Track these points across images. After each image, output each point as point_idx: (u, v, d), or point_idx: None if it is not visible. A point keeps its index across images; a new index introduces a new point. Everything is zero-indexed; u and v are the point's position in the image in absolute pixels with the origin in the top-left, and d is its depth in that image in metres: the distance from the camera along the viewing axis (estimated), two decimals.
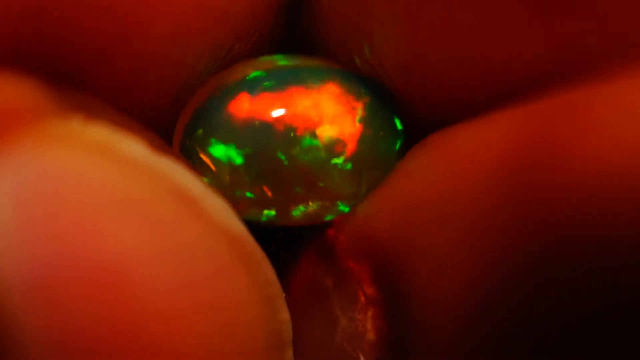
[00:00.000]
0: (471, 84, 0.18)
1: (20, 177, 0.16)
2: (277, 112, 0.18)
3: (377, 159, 0.19)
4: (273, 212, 0.19)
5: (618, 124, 0.15)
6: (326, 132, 0.19)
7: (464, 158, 0.17)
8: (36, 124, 0.17)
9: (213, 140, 0.18)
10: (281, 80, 0.19)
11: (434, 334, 0.17)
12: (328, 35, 0.20)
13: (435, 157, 0.18)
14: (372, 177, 0.19)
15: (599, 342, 0.15)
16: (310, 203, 0.19)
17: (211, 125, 0.19)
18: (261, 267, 0.17)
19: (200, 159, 0.19)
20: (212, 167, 0.19)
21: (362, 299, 0.19)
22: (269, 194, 0.19)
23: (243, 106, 0.18)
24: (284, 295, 0.18)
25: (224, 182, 0.18)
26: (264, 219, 0.19)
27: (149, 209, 0.17)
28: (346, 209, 0.19)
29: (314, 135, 0.18)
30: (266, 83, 0.19)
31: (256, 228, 0.18)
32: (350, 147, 0.19)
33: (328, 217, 0.19)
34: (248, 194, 0.19)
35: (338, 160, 0.19)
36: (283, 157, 0.18)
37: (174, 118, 0.19)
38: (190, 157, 0.19)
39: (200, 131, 0.19)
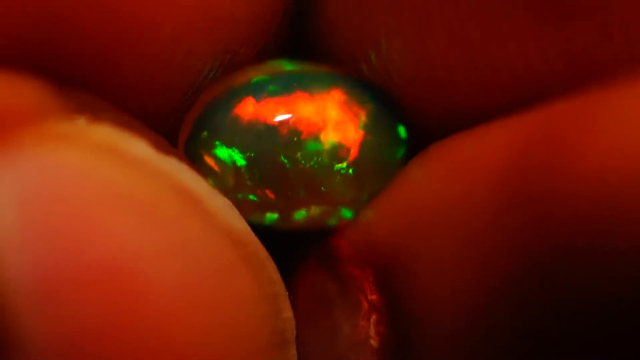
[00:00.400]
0: (477, 92, 0.18)
1: (25, 177, 0.16)
2: (281, 117, 0.19)
3: (379, 165, 0.19)
4: (276, 216, 0.19)
5: (622, 130, 0.15)
6: (329, 137, 0.19)
7: (466, 165, 0.17)
8: (41, 124, 0.17)
9: (217, 142, 0.19)
10: (286, 85, 0.19)
11: (437, 340, 0.17)
12: (334, 41, 0.20)
13: (439, 165, 0.18)
14: (374, 183, 0.19)
15: (600, 346, 0.15)
16: (313, 207, 0.19)
17: (216, 127, 0.19)
18: (264, 266, 0.17)
19: (204, 161, 0.19)
20: (216, 169, 0.19)
21: (365, 305, 0.19)
22: (272, 197, 0.19)
23: (247, 110, 0.19)
24: (287, 294, 0.18)
25: (227, 184, 0.18)
26: (266, 222, 0.19)
27: (154, 208, 0.17)
28: (348, 214, 0.19)
29: (317, 140, 0.19)
30: (271, 87, 0.19)
31: (260, 233, 0.18)
32: (353, 153, 0.19)
33: (330, 222, 0.19)
34: (251, 197, 0.19)
35: (340, 166, 0.19)
36: (286, 161, 0.18)
37: (178, 120, 0.20)
38: (194, 159, 0.19)
39: (205, 133, 0.19)
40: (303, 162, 0.18)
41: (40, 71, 0.17)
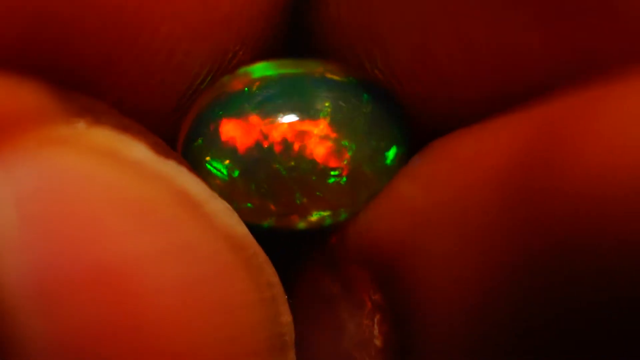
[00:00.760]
0: (481, 90, 0.18)
1: (25, 179, 0.16)
2: (275, 125, 0.18)
3: (374, 170, 0.19)
4: (273, 221, 0.19)
5: (624, 127, 0.15)
6: (323, 145, 0.19)
7: (468, 162, 0.17)
8: (41, 126, 0.17)
9: (212, 151, 0.19)
10: (280, 93, 0.19)
11: (440, 338, 0.17)
12: (336, 39, 0.20)
13: (440, 162, 0.18)
14: (370, 187, 0.19)
15: (601, 344, 0.15)
16: (311, 212, 0.19)
17: (209, 137, 0.19)
18: (263, 269, 0.17)
19: (201, 167, 0.19)
20: (212, 177, 0.19)
21: (369, 304, 0.19)
22: (269, 205, 0.19)
23: (240, 119, 0.19)
24: (286, 298, 0.18)
25: (223, 192, 0.18)
26: (265, 226, 0.19)
27: (153, 211, 0.17)
28: (346, 216, 0.19)
29: (310, 148, 0.18)
30: (264, 96, 0.19)
31: (259, 234, 0.18)
32: (347, 161, 0.19)
33: (328, 222, 0.19)
34: (248, 205, 0.19)
35: (335, 172, 0.19)
36: (281, 168, 0.18)
37: (177, 122, 0.20)
38: (191, 164, 0.19)
39: (199, 141, 0.19)
40: (298, 170, 0.18)
41: (39, 72, 0.17)
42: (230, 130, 0.19)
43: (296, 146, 0.18)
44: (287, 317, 0.17)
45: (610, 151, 0.15)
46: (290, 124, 0.18)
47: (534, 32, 0.17)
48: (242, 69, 0.19)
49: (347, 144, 0.19)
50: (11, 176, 0.16)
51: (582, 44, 0.17)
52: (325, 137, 0.19)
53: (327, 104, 0.19)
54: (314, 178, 0.18)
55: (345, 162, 0.19)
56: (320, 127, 0.19)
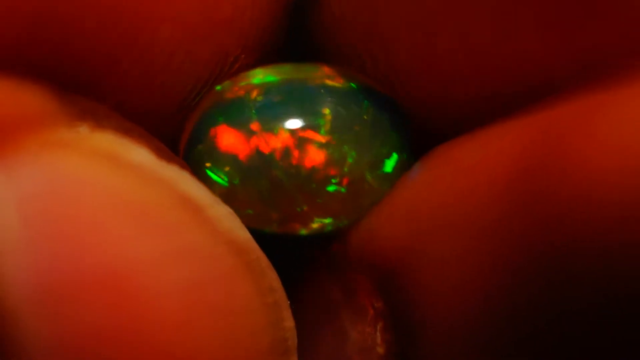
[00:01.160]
0: (484, 94, 0.18)
1: (27, 183, 0.16)
2: (275, 132, 0.18)
3: (374, 178, 0.19)
4: (275, 227, 0.19)
5: (626, 131, 0.15)
6: (322, 154, 0.19)
7: (470, 169, 0.17)
8: (43, 130, 0.17)
9: (212, 158, 0.19)
10: (281, 100, 0.19)
11: (443, 345, 0.17)
12: (338, 39, 0.20)
13: (443, 167, 0.18)
14: (371, 195, 0.19)
15: (605, 347, 0.15)
16: (313, 219, 0.19)
17: (210, 144, 0.19)
18: (266, 274, 0.17)
19: (201, 173, 0.19)
20: (212, 184, 0.19)
21: (372, 312, 0.19)
22: (270, 212, 0.19)
23: (240, 127, 0.19)
24: (288, 303, 0.18)
25: (223, 198, 0.18)
26: (266, 230, 0.19)
27: (155, 215, 0.17)
28: (347, 223, 0.19)
29: (310, 157, 0.18)
30: (264, 103, 0.19)
31: (262, 239, 0.18)
32: (346, 170, 0.19)
33: (329, 228, 0.19)
34: (249, 211, 0.19)
35: (336, 179, 0.19)
36: (281, 175, 0.18)
37: (179, 125, 0.20)
38: (192, 169, 0.19)
39: (200, 147, 0.19)
40: (299, 177, 0.18)
41: (40, 74, 0.17)
42: (231, 137, 0.19)
43: (296, 153, 0.18)
44: (289, 322, 0.17)
45: (612, 155, 0.15)
46: (291, 131, 0.18)
47: (537, 35, 0.17)
48: (243, 75, 0.19)
49: (347, 151, 0.19)
50: (13, 179, 0.16)
51: (584, 47, 0.17)
52: (325, 145, 0.18)
53: (327, 111, 0.19)
54: (314, 185, 0.18)
55: (345, 170, 0.19)
56: (320, 135, 0.18)
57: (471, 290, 0.17)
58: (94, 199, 0.16)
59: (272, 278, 0.17)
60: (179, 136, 0.20)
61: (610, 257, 0.14)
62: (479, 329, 0.16)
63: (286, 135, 0.18)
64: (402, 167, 0.19)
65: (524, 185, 0.16)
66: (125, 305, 0.16)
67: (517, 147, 0.17)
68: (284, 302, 0.17)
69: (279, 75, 0.19)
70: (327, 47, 0.20)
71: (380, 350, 0.18)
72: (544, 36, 0.17)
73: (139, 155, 0.17)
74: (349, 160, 0.19)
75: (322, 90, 0.19)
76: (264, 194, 0.18)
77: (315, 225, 0.19)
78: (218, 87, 0.19)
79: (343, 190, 0.19)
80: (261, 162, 0.18)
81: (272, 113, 0.19)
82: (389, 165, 0.19)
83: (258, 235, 0.18)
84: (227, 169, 0.18)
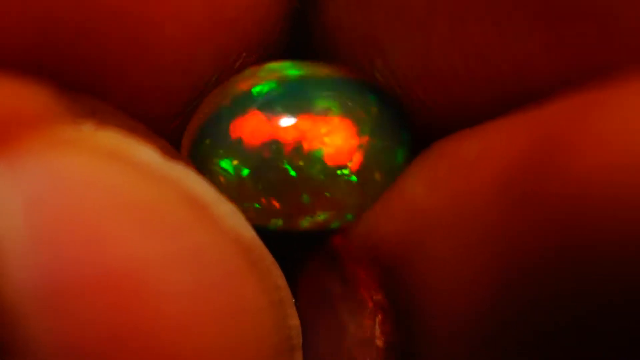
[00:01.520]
0: (481, 94, 0.18)
1: (32, 182, 0.16)
2: (284, 124, 0.18)
3: (383, 170, 0.19)
4: (280, 222, 0.19)
5: (625, 130, 0.15)
6: (332, 144, 0.19)
7: (468, 165, 0.17)
8: (48, 129, 0.17)
9: (220, 151, 0.19)
10: (288, 93, 0.19)
11: (442, 339, 0.18)
12: (337, 43, 0.20)
13: (441, 164, 0.18)
14: (378, 187, 0.19)
15: (606, 346, 0.15)
16: (318, 212, 0.19)
17: (218, 137, 0.19)
18: (271, 272, 0.17)
19: (208, 168, 0.19)
20: (220, 177, 0.19)
21: (370, 305, 0.19)
22: (277, 205, 0.19)
23: (249, 120, 0.19)
24: (293, 300, 0.18)
25: (231, 192, 0.18)
26: (271, 227, 0.19)
27: (160, 214, 0.17)
28: (352, 217, 0.19)
29: (320, 147, 0.18)
30: (273, 96, 0.19)
31: (263, 234, 0.18)
32: (356, 159, 0.19)
33: (334, 225, 0.19)
34: (256, 205, 0.19)
35: (344, 172, 0.19)
36: (289, 168, 0.18)
37: (182, 124, 0.19)
38: (198, 165, 0.19)
39: (207, 141, 0.19)
40: (307, 169, 0.18)
41: (45, 74, 0.17)
42: (239, 130, 0.19)
43: (305, 146, 0.18)
44: (294, 320, 0.17)
45: (611, 154, 0.15)
46: (299, 124, 0.18)
47: (535, 37, 0.17)
48: (249, 70, 0.19)
49: (356, 143, 0.19)
50: (18, 178, 0.16)
51: (582, 49, 0.17)
52: (334, 137, 0.19)
53: (335, 104, 0.19)
54: (322, 178, 0.18)
55: (354, 162, 0.19)
56: (328, 127, 0.19)
57: (470, 285, 0.17)
58: (99, 198, 0.16)
59: (277, 276, 0.17)
60: (181, 134, 0.19)
61: (610, 255, 0.15)
62: (478, 323, 0.17)
63: (294, 127, 0.18)
64: (405, 162, 0.19)
65: (523, 183, 0.16)
66: (131, 305, 0.16)
67: (516, 144, 0.17)
68: (289, 300, 0.17)
69: (286, 70, 0.19)
70: (326, 50, 0.20)
71: (379, 343, 0.19)
72: (540, 38, 0.17)
73: (144, 153, 0.17)
74: (357, 153, 0.19)
75: (330, 84, 0.19)
76: (272, 187, 0.18)
77: (320, 219, 0.19)
78: (225, 83, 0.19)
79: (351, 183, 0.19)
80: (269, 154, 0.18)
81: (280, 106, 0.19)
82: (396, 158, 0.19)
83: (260, 229, 0.18)
84: (235, 162, 0.18)
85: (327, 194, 0.19)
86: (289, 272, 0.18)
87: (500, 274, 0.16)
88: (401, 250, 0.18)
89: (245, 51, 0.19)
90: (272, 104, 0.19)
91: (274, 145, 0.18)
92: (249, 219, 0.18)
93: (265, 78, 0.19)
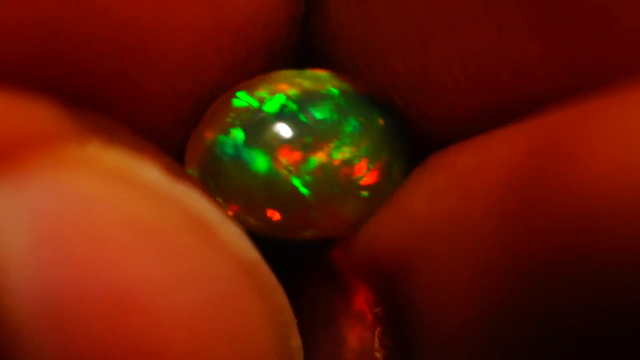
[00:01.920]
0: (481, 102, 0.18)
1: (37, 200, 0.16)
2: (293, 141, 0.18)
3: (392, 182, 0.19)
4: (284, 233, 0.19)
5: (625, 139, 0.15)
6: (342, 160, 0.19)
7: (468, 175, 0.18)
8: (54, 147, 0.16)
9: (230, 165, 0.19)
10: (298, 110, 0.19)
11: (441, 352, 0.18)
12: (337, 50, 0.20)
13: (440, 175, 0.18)
14: (383, 200, 0.19)
15: (604, 354, 0.15)
16: (324, 226, 0.19)
17: (228, 152, 0.19)
18: (274, 294, 0.17)
19: (218, 182, 0.19)
20: (229, 192, 0.19)
21: (370, 317, 0.19)
22: (284, 219, 0.19)
23: (260, 136, 0.18)
24: (296, 321, 0.18)
25: (238, 205, 0.18)
26: (273, 235, 0.19)
27: (164, 235, 0.17)
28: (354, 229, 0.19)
29: (329, 163, 0.18)
30: (283, 111, 0.19)
31: (261, 242, 0.18)
32: (368, 175, 0.19)
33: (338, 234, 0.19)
34: (263, 218, 0.19)
35: (355, 187, 0.19)
36: (299, 184, 0.18)
37: (189, 133, 0.19)
38: (205, 178, 0.19)
39: (217, 154, 0.19)
40: (317, 185, 0.18)
41: (51, 89, 0.17)
42: (249, 146, 0.18)
43: (315, 162, 0.18)
44: (296, 341, 0.18)
45: (610, 163, 0.15)
46: (309, 140, 0.18)
47: (533, 45, 0.17)
48: (257, 80, 0.19)
49: (366, 158, 0.19)
50: (24, 197, 0.16)
51: (582, 57, 0.17)
52: (343, 152, 0.19)
53: (345, 119, 0.19)
54: (333, 193, 0.18)
55: (364, 178, 0.19)
56: (337, 142, 0.19)
57: (470, 297, 0.17)
58: (104, 218, 0.16)
59: (280, 297, 0.17)
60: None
61: (610, 264, 0.15)
62: (478, 335, 0.17)
63: (304, 143, 0.18)
64: (406, 174, 0.19)
65: (522, 193, 0.16)
66: (133, 324, 0.16)
67: (515, 153, 0.17)
68: (292, 322, 0.18)
69: (294, 83, 0.19)
70: (327, 57, 0.20)
71: (379, 355, 0.19)
72: (540, 46, 0.17)
73: (150, 173, 0.17)
74: (369, 166, 0.19)
75: (338, 98, 0.19)
76: (282, 203, 0.18)
77: (326, 232, 0.19)
78: (229, 94, 0.19)
79: (361, 197, 0.19)
80: (279, 170, 0.18)
81: (289, 121, 0.18)
82: (399, 170, 0.19)
83: (257, 238, 0.18)
84: (245, 177, 0.18)
85: (336, 210, 0.19)
86: (288, 284, 0.18)
87: (499, 285, 0.16)
88: (400, 261, 0.18)
89: (251, 56, 0.19)
90: (282, 121, 0.18)
91: (284, 162, 0.18)
92: (253, 230, 0.18)
93: (274, 91, 0.19)
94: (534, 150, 0.16)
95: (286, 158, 0.18)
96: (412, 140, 0.20)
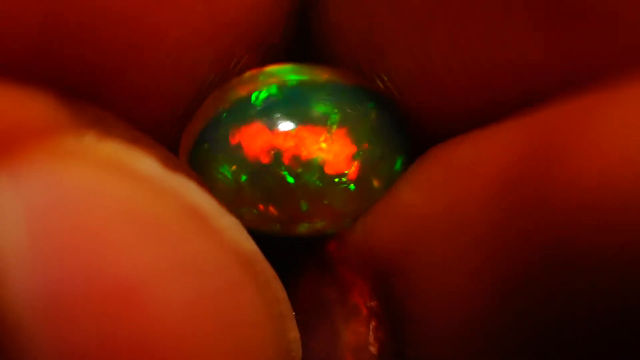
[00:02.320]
0: (479, 97, 0.18)
1: (34, 192, 0.16)
2: (282, 131, 0.18)
3: (381, 177, 0.19)
4: (278, 227, 0.19)
5: (621, 135, 0.15)
6: (330, 152, 0.19)
7: (465, 170, 0.18)
8: (50, 139, 0.16)
9: (219, 157, 0.19)
10: (287, 100, 0.19)
11: (436, 346, 0.18)
12: (336, 46, 0.20)
13: (437, 170, 0.18)
14: (376, 194, 0.19)
15: (600, 353, 0.15)
16: (316, 220, 0.19)
17: (217, 143, 0.19)
18: (271, 285, 0.17)
19: (206, 173, 0.19)
20: (218, 182, 0.19)
21: (365, 311, 0.19)
22: (274, 211, 0.19)
23: (249, 126, 0.19)
24: (293, 313, 0.18)
25: (229, 198, 0.18)
26: (268, 232, 0.19)
27: (161, 226, 0.17)
28: (349, 224, 0.19)
29: (319, 154, 0.18)
30: (272, 102, 0.19)
31: (258, 239, 0.18)
32: (355, 167, 0.19)
33: (332, 231, 0.19)
34: (254, 211, 0.19)
35: (342, 180, 0.19)
36: (287, 175, 0.18)
37: (184, 127, 0.19)
38: (196, 170, 0.19)
39: (206, 146, 0.19)
40: (305, 177, 0.18)
41: (47, 82, 0.17)
42: (237, 136, 0.18)
43: (303, 153, 0.18)
44: (294, 333, 0.18)
45: (607, 159, 0.15)
46: (298, 131, 0.18)
47: (532, 41, 0.17)
48: (249, 74, 0.19)
49: (354, 151, 0.19)
50: (21, 189, 0.16)
51: (580, 52, 0.17)
52: (332, 145, 0.19)
53: (334, 111, 0.19)
54: (320, 185, 0.18)
55: (352, 170, 0.19)
56: (327, 134, 0.19)
57: (465, 291, 0.17)
58: (101, 209, 0.16)
59: (278, 289, 0.17)
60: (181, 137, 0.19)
61: (606, 260, 0.15)
62: (473, 329, 0.17)
63: (293, 134, 0.18)
64: (403, 168, 0.19)
65: (519, 188, 0.16)
66: (130, 316, 0.16)
67: (512, 149, 0.17)
68: (289, 313, 0.18)
69: (286, 74, 0.19)
70: (326, 53, 0.20)
71: (373, 349, 0.19)
72: (538, 43, 0.17)
73: (146, 165, 0.17)
74: (356, 160, 0.19)
75: (329, 90, 0.19)
76: (270, 194, 0.18)
77: (318, 226, 0.19)
78: (224, 86, 0.19)
79: (350, 190, 0.19)
80: (268, 161, 0.18)
81: (279, 112, 0.19)
82: (394, 165, 0.19)
83: (256, 234, 0.18)
84: (233, 167, 0.18)
85: (325, 202, 0.19)
86: (284, 278, 0.18)
87: (495, 280, 0.16)
88: (396, 256, 0.18)
89: (246, 53, 0.19)
90: (271, 111, 0.19)
91: (273, 152, 0.18)
92: (247, 223, 0.18)
93: (264, 83, 0.19)
94: (531, 146, 0.16)
95: (274, 148, 0.18)
96: (409, 135, 0.20)
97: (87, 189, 0.16)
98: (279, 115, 0.18)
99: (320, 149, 0.19)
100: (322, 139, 0.19)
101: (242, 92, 0.19)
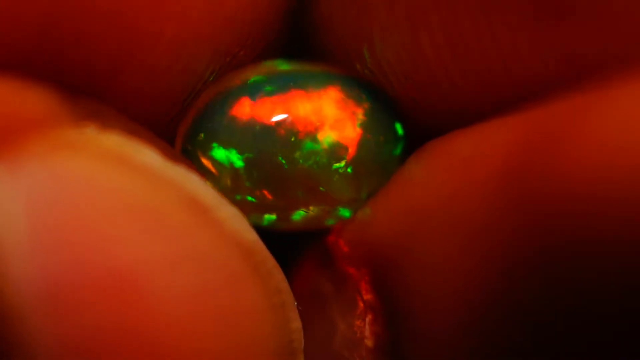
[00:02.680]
0: (471, 90, 0.18)
1: (34, 184, 0.16)
2: (278, 116, 0.19)
3: (377, 163, 0.19)
4: (274, 217, 0.19)
5: (617, 130, 0.15)
6: (327, 136, 0.19)
7: (463, 164, 0.18)
8: (50, 131, 0.16)
9: (214, 144, 0.19)
10: (282, 85, 0.19)
11: (432, 340, 0.18)
12: (329, 40, 0.20)
13: (435, 164, 0.18)
14: (373, 181, 0.19)
15: (599, 345, 0.16)
16: (311, 207, 0.19)
17: (212, 129, 0.19)
18: (273, 275, 0.17)
19: (202, 162, 0.19)
20: (214, 170, 0.19)
21: (361, 305, 0.19)
22: (270, 198, 0.19)
23: (244, 110, 0.19)
24: (295, 303, 0.18)
25: (225, 186, 0.18)
26: (264, 223, 0.19)
27: (162, 217, 0.17)
28: (347, 214, 0.19)
29: (314, 139, 0.19)
30: (267, 87, 0.19)
31: (258, 232, 0.18)
32: (351, 151, 0.19)
33: (329, 222, 0.19)
34: (249, 198, 0.19)
35: (339, 165, 0.19)
36: (284, 161, 0.18)
37: (178, 123, 0.19)
38: (191, 158, 0.19)
39: (201, 135, 0.19)
40: (301, 161, 0.18)
41: (45, 75, 0.17)
42: (233, 123, 0.19)
43: (299, 139, 0.18)
44: (296, 323, 0.17)
45: (606, 151, 0.15)
46: (294, 117, 0.18)
47: (524, 32, 0.17)
48: (245, 67, 0.19)
49: (349, 137, 0.19)
50: (21, 181, 0.16)
51: (573, 45, 0.17)
52: (329, 130, 0.19)
53: (331, 95, 0.19)
54: (317, 170, 0.19)
55: (348, 156, 0.19)
56: (322, 121, 0.19)
57: (462, 285, 0.17)
58: (101, 201, 0.16)
59: (279, 279, 0.17)
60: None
61: (606, 253, 0.15)
62: (470, 324, 0.17)
63: (289, 121, 0.18)
64: (400, 158, 0.19)
65: (518, 182, 0.16)
66: (132, 307, 0.16)
67: (510, 143, 0.17)
68: (291, 303, 0.18)
69: (282, 66, 0.19)
70: (319, 47, 0.20)
71: (369, 343, 0.19)
72: (530, 34, 0.17)
73: (146, 156, 0.17)
74: (352, 146, 0.19)
75: (324, 78, 0.19)
76: (266, 179, 0.18)
77: (314, 213, 0.19)
78: (220, 79, 0.19)
79: (345, 177, 0.19)
80: (264, 147, 0.18)
81: (275, 100, 0.19)
82: (390, 152, 0.19)
83: (255, 228, 0.18)
84: (229, 156, 0.18)
85: (321, 188, 0.19)
86: (283, 270, 0.18)
87: (494, 273, 0.16)
88: (394, 249, 0.18)
89: (243, 49, 0.19)
90: (267, 96, 0.19)
91: (269, 137, 0.18)
92: (243, 212, 0.18)
93: (260, 72, 0.19)
94: (529, 141, 0.16)
95: (270, 135, 0.18)
96: (405, 125, 0.20)
97: (87, 181, 0.16)
98: (273, 101, 0.19)
99: (317, 134, 0.19)
100: (318, 123, 0.19)
101: (237, 81, 0.19)
